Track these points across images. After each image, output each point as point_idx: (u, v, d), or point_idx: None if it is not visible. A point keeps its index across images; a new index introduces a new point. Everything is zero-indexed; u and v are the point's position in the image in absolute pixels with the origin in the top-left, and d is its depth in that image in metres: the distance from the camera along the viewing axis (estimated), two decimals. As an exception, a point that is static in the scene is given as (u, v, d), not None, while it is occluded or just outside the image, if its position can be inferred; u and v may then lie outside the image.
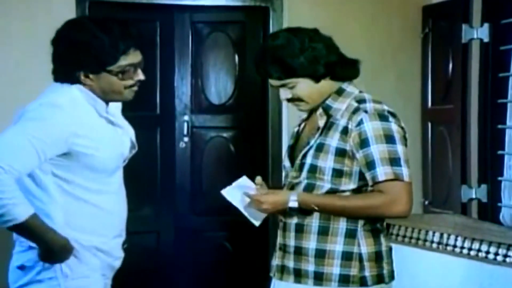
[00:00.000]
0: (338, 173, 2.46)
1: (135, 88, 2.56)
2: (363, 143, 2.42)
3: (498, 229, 3.94)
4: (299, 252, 2.52)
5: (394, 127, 2.45)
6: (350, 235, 2.48)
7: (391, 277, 2.54)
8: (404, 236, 4.35)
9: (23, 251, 2.50)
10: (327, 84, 2.53)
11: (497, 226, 4.00)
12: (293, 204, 2.48)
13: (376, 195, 2.44)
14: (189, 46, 4.92)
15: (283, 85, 2.54)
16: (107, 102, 2.57)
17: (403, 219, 4.38)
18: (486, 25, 4.31)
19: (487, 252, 3.89)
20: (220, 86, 4.97)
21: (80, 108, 2.49)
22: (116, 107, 2.65)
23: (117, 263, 2.66)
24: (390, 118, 2.46)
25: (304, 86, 2.51)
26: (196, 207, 4.94)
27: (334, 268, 2.46)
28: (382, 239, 2.52)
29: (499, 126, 4.18)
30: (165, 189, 4.91)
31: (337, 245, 2.48)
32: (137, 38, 2.53)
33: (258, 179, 2.63)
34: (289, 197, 2.49)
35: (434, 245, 4.17)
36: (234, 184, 2.62)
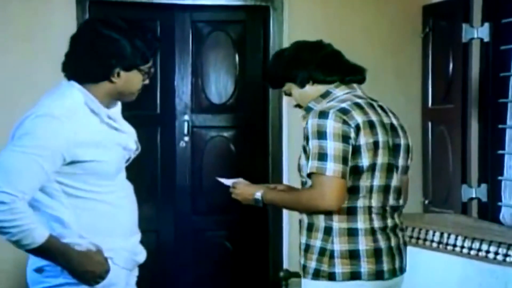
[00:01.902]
0: None
1: (140, 91, 2.60)
2: (307, 139, 2.56)
3: (498, 228, 3.95)
4: (299, 246, 2.69)
5: (330, 123, 2.51)
6: (327, 232, 2.58)
7: (375, 275, 2.58)
8: (404, 236, 4.35)
9: None
10: (314, 88, 2.70)
11: (497, 226, 4.00)
12: (258, 197, 2.73)
13: (306, 189, 2.61)
14: (190, 45, 4.92)
15: (285, 93, 2.80)
16: (108, 107, 2.55)
17: (403, 219, 4.39)
18: (486, 25, 4.31)
19: (487, 252, 3.88)
20: (220, 86, 4.97)
21: (78, 116, 2.45)
22: (117, 112, 2.63)
23: (141, 258, 2.68)
24: (330, 115, 2.52)
25: (294, 92, 2.75)
26: (196, 207, 4.94)
27: (312, 262, 2.59)
28: (362, 238, 2.57)
29: (500, 126, 4.19)
30: (165, 188, 4.91)
31: (317, 241, 2.60)
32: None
33: None
34: (255, 191, 2.75)
35: (434, 245, 4.16)
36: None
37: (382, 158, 2.59)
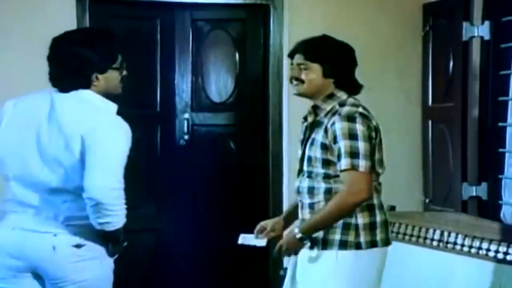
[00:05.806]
0: (326, 162, 2.97)
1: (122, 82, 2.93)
2: (335, 139, 2.91)
3: (499, 227, 3.95)
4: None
5: (358, 126, 2.90)
6: None
7: (385, 242, 3.01)
8: (405, 234, 4.35)
9: (78, 232, 2.75)
10: (327, 84, 3.03)
11: (498, 224, 4.00)
12: (299, 235, 2.97)
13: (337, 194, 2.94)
14: (190, 44, 4.92)
15: (301, 64, 3.04)
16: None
17: (403, 217, 4.40)
18: (486, 23, 4.31)
19: (488, 250, 3.89)
20: (220, 84, 4.97)
21: None
22: None
23: None
24: (358, 119, 2.91)
25: (314, 72, 3.02)
26: (196, 205, 4.94)
27: (336, 235, 2.96)
28: (377, 212, 3.00)
29: (500, 124, 4.18)
30: (166, 187, 4.90)
31: None
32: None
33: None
34: (293, 232, 3.00)
35: (435, 243, 4.17)
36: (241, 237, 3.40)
37: None
